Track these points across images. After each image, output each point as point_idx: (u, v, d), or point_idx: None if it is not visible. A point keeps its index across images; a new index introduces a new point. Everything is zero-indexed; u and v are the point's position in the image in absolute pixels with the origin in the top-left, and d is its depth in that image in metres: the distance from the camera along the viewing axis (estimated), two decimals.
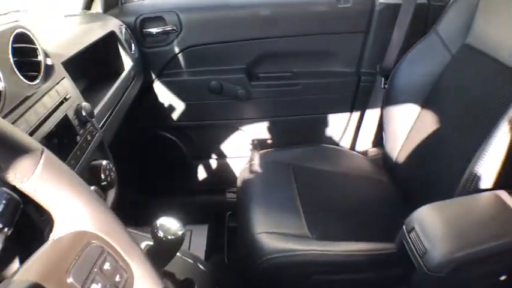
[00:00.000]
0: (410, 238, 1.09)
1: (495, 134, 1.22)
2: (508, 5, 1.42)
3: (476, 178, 1.23)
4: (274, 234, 1.44)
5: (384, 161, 1.85)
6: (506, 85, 1.35)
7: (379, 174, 1.82)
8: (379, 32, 1.94)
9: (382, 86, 1.90)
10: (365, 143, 2.17)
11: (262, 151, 1.90)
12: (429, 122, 1.62)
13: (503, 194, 1.21)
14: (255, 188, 1.69)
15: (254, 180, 1.72)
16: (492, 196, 1.20)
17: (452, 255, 1.01)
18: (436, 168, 1.53)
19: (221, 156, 2.16)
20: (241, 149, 2.13)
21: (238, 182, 1.79)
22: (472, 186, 1.24)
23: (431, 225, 1.08)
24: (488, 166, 1.22)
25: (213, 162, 2.16)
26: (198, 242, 1.85)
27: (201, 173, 2.19)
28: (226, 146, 2.13)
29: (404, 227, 1.13)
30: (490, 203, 1.19)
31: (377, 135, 2.13)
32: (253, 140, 2.09)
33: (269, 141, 2.12)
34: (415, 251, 1.06)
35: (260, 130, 2.10)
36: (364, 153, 2.12)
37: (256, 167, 1.78)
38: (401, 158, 1.71)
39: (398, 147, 1.72)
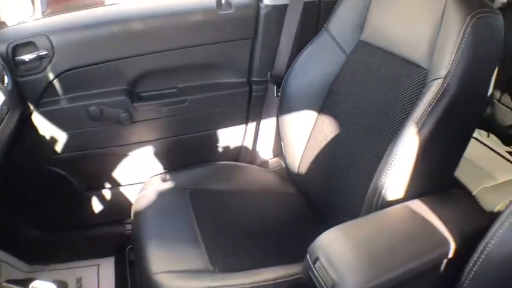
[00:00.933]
0: (315, 269, 0.98)
1: (399, 140, 1.17)
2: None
3: (383, 191, 1.17)
4: (173, 273, 1.30)
5: (287, 172, 1.77)
6: (409, 83, 1.31)
7: (284, 187, 1.73)
8: (268, 36, 1.84)
9: (275, 95, 1.81)
10: (265, 154, 2.08)
11: (155, 176, 1.76)
12: (328, 129, 1.55)
13: (415, 204, 1.15)
14: (149, 220, 1.53)
15: (147, 211, 1.57)
16: (403, 209, 1.13)
17: (365, 286, 0.93)
18: (342, 179, 1.47)
19: (114, 185, 1.97)
20: (134, 176, 1.96)
21: (132, 213, 1.63)
22: (380, 201, 1.17)
23: (337, 254, 0.98)
24: (395, 176, 1.15)
25: (107, 193, 1.98)
26: (105, 277, 1.76)
27: (97, 205, 1.99)
28: (117, 174, 1.95)
29: (308, 255, 1.02)
30: (402, 218, 1.12)
31: (276, 146, 2.05)
32: (144, 165, 1.93)
33: (162, 165, 1.96)
34: (323, 284, 0.96)
35: (151, 154, 1.93)
36: (265, 165, 2.04)
37: (149, 195, 1.62)
38: (303, 169, 1.63)
39: (299, 157, 1.64)
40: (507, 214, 0.78)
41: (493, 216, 1.49)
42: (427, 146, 1.15)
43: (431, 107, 1.15)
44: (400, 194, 1.17)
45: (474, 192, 1.74)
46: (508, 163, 1.98)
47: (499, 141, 2.20)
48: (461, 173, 1.62)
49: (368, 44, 1.48)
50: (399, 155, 1.16)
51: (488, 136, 2.23)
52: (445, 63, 1.17)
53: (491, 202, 1.70)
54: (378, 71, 1.42)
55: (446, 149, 1.23)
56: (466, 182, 1.78)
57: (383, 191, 1.16)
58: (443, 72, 1.17)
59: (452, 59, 1.16)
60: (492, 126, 2.22)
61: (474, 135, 1.73)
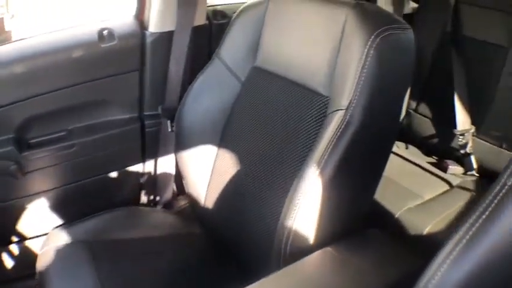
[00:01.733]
0: None
1: (303, 178, 1.03)
2: (295, 17, 1.25)
3: (291, 234, 1.03)
4: None
5: (192, 211, 1.60)
6: (310, 113, 1.16)
7: (190, 228, 1.57)
8: (156, 67, 1.67)
9: (170, 130, 1.64)
10: (167, 194, 1.89)
11: (55, 229, 1.54)
12: (230, 164, 1.40)
13: (330, 252, 1.01)
14: (51, 282, 1.33)
15: (49, 271, 1.36)
16: (313, 262, 0.99)
17: None
18: (249, 217, 1.31)
19: (19, 239, 1.77)
20: (38, 228, 1.76)
21: (37, 273, 1.43)
22: (289, 247, 1.04)
23: None
24: (301, 218, 1.02)
25: (14, 248, 1.77)
26: None
27: (3, 261, 1.77)
28: (21, 228, 1.75)
29: None
30: (312, 274, 0.98)
31: (178, 184, 1.86)
32: (46, 217, 1.73)
33: (63, 215, 1.76)
34: None
35: (50, 204, 1.73)
36: (169, 205, 1.85)
37: (50, 253, 1.42)
38: (209, 207, 1.47)
39: (203, 194, 1.47)
40: (446, 254, 0.62)
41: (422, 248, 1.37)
42: (333, 184, 1.01)
43: (333, 142, 1.00)
44: (309, 237, 1.03)
45: (397, 215, 1.61)
46: (432, 176, 1.88)
47: (419, 152, 2.11)
48: (382, 194, 1.49)
49: (263, 70, 1.33)
50: (304, 195, 1.02)
51: (406, 148, 2.13)
52: (347, 93, 1.03)
53: (419, 224, 1.58)
54: (276, 99, 1.27)
55: (356, 184, 1.10)
56: (388, 204, 1.65)
57: (291, 235, 1.03)
58: (345, 103, 1.03)
59: (354, 87, 1.01)
60: (410, 137, 2.12)
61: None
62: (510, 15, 1.82)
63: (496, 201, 0.56)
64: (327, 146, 1.00)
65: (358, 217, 1.17)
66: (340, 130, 1.00)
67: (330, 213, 1.04)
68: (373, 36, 1.01)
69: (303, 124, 1.17)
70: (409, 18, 2.11)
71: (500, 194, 0.56)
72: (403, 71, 1.08)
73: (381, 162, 1.15)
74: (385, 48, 1.01)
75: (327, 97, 1.12)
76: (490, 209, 0.57)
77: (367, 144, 1.05)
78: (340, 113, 1.02)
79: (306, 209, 1.02)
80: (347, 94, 1.03)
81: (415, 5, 2.17)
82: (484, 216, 0.57)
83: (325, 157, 1.00)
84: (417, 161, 1.98)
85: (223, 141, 1.42)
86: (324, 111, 1.12)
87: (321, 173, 0.99)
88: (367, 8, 1.10)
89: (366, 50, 1.00)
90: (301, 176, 1.04)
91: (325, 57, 1.13)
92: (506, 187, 0.56)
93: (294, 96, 1.22)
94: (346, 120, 1.01)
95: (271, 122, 1.27)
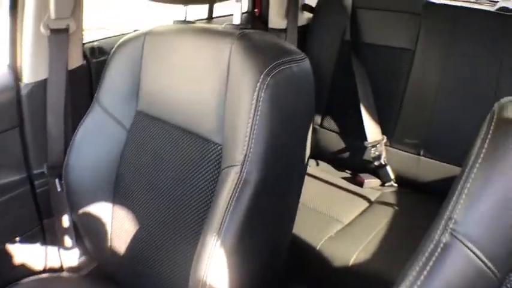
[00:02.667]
0: None
1: (204, 244, 0.88)
2: (175, 53, 1.08)
3: None
4: None
5: (100, 272, 1.43)
6: (203, 163, 1.01)
7: None
8: (35, 120, 1.43)
9: (59, 188, 1.42)
10: (73, 257, 1.63)
11: None
12: (128, 225, 1.22)
13: None
14: None
15: None
16: None
17: None
18: (156, 276, 1.15)
19: None
20: None
21: None
22: None
23: None
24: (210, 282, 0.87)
25: None
26: None
27: None
28: None
29: None
30: None
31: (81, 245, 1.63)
32: None
33: None
34: None
35: None
36: (76, 269, 1.60)
37: None
38: (115, 267, 1.29)
39: (107, 253, 1.29)
40: None
41: None
42: (237, 251, 0.87)
43: (232, 206, 0.85)
44: None
45: (319, 247, 1.48)
46: (349, 194, 1.77)
47: (331, 168, 2.00)
48: (299, 225, 1.33)
49: (147, 115, 1.16)
50: (208, 265, 0.87)
51: (317, 165, 2.01)
52: (240, 145, 0.88)
53: (343, 254, 1.45)
54: (166, 150, 1.11)
55: (265, 240, 0.97)
56: (308, 237, 1.51)
57: None
58: (239, 157, 0.88)
59: (248, 138, 0.87)
60: (320, 153, 2.02)
61: None
62: (411, 16, 1.78)
63: (431, 263, 0.58)
64: (225, 211, 0.85)
65: (276, 264, 1.02)
66: (238, 191, 0.85)
67: (240, 277, 0.90)
68: (262, 76, 0.86)
69: (198, 181, 1.01)
70: (304, 29, 2.03)
71: (436, 254, 0.58)
72: (303, 106, 0.95)
73: (292, 205, 1.02)
74: (278, 88, 0.87)
75: (220, 145, 0.95)
76: (427, 268, 0.58)
77: (271, 198, 0.91)
78: (236, 170, 0.87)
79: (213, 277, 0.87)
80: (241, 147, 0.88)
81: (310, 15, 2.05)
82: (422, 277, 0.58)
83: (225, 224, 0.84)
84: (331, 180, 1.87)
85: (116, 198, 1.24)
86: (218, 161, 0.96)
87: (222, 243, 0.84)
88: (254, 39, 0.95)
89: (256, 94, 0.86)
90: (202, 245, 0.88)
91: (212, 100, 0.97)
92: (441, 245, 0.58)
93: (183, 145, 1.06)
94: (243, 178, 0.85)
95: (163, 178, 1.10)
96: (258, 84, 0.86)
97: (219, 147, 0.96)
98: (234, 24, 0.99)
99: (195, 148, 1.02)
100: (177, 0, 1.08)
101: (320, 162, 2.03)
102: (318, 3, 2.02)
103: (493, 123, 0.63)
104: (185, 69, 1.05)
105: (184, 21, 1.14)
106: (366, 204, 1.72)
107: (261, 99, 0.85)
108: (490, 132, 0.62)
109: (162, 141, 1.11)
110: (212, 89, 0.96)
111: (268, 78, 0.86)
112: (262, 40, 0.96)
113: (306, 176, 1.84)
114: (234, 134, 0.89)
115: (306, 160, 1.02)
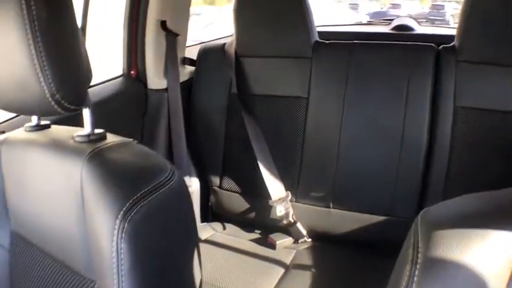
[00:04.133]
0: None
1: None
2: (32, 168, 0.85)
3: None
4: None
5: None
6: None
7: None
8: None
9: None
10: None
11: None
12: None
13: None
14: None
15: None
16: None
17: None
18: None
19: None
20: None
21: None
22: None
23: None
24: None
25: None
26: None
27: None
28: None
29: None
30: None
31: None
32: None
33: None
34: None
35: None
36: None
37: None
38: None
39: None
40: None
41: None
42: None
43: None
44: None
45: None
46: (262, 261, 1.62)
47: (238, 230, 1.85)
48: None
49: (23, 238, 0.92)
50: None
51: (224, 228, 1.87)
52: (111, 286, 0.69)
53: None
54: (42, 282, 0.87)
55: None
56: None
57: None
58: None
59: (117, 281, 0.68)
60: (224, 216, 1.89)
61: None
62: (301, 60, 1.68)
63: None
64: None
65: None
66: None
67: None
68: (118, 222, 0.68)
69: None
70: (189, 84, 1.86)
71: None
72: (179, 232, 0.78)
73: None
74: (140, 228, 0.70)
75: (93, 281, 0.76)
76: None
77: None
78: None
79: None
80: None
81: (192, 68, 1.89)
82: None
83: None
84: (241, 246, 1.71)
85: None
86: None
87: None
88: (106, 161, 0.74)
89: (115, 242, 0.67)
90: None
91: (75, 230, 0.76)
92: None
93: (56, 278, 0.84)
94: None
95: None
96: (115, 232, 0.67)
97: (91, 284, 0.77)
98: (84, 136, 0.79)
99: (67, 284, 0.82)
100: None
101: (227, 224, 1.86)
102: (198, 55, 1.86)
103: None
104: (43, 190, 0.83)
105: (37, 127, 0.92)
106: (281, 270, 1.56)
107: (122, 249, 0.67)
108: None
109: (37, 271, 0.89)
110: (71, 217, 0.76)
111: (126, 224, 0.67)
112: (116, 163, 0.76)
113: (213, 246, 1.70)
114: (103, 273, 0.71)
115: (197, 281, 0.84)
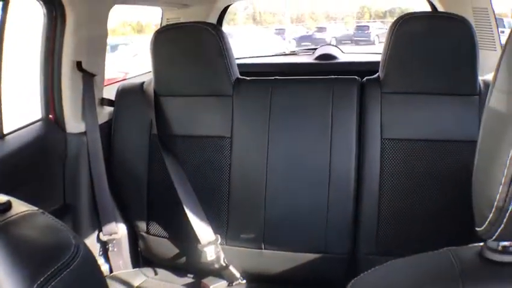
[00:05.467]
0: None
1: None
2: None
3: None
4: None
5: None
6: None
7: None
8: None
9: None
10: None
11: None
12: None
13: None
14: None
15: None
16: None
17: None
18: None
19: None
20: None
21: None
22: None
23: None
24: None
25: None
26: None
27: None
28: None
29: None
30: None
31: None
32: None
33: None
34: None
35: None
36: None
37: None
38: None
39: None
40: None
41: None
42: None
43: None
44: None
45: None
46: None
47: (171, 276, 1.76)
48: None
49: None
50: None
51: (156, 274, 1.77)
52: None
53: None
54: None
55: None
56: None
57: None
58: None
59: None
60: (156, 262, 1.79)
61: None
62: (223, 98, 1.63)
63: None
64: None
65: None
66: None
67: None
68: None
69: None
70: (108, 126, 1.77)
71: None
72: None
73: None
74: None
75: None
76: None
77: None
78: None
79: None
80: None
81: (111, 109, 1.80)
82: None
83: None
84: None
85: None
86: None
87: None
88: (12, 237, 0.65)
89: None
90: None
91: None
92: None
93: None
94: None
95: None
96: None
97: None
98: None
99: None
100: None
101: (158, 270, 1.77)
102: (116, 95, 1.78)
103: None
104: None
105: None
106: None
107: None
108: None
109: None
110: None
111: None
112: (19, 244, 0.67)
113: None
114: None
115: None
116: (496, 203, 0.52)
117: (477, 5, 1.99)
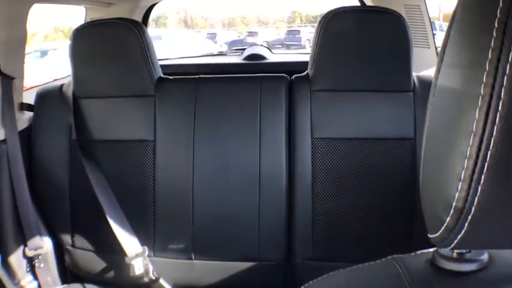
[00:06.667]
0: None
1: None
2: None
3: None
4: None
5: None
6: None
7: None
8: None
9: None
10: None
11: None
12: None
13: None
14: None
15: None
16: None
17: None
18: None
19: None
20: None
21: None
22: None
23: None
24: None
25: None
26: None
27: None
28: None
29: None
30: None
31: None
32: None
33: None
34: None
35: None
36: None
37: None
38: None
39: None
40: None
41: None
42: None
43: None
44: None
45: None
46: None
47: None
48: None
49: None
50: None
51: None
52: None
53: None
54: None
55: None
56: None
57: None
58: None
59: None
60: (83, 277, 1.67)
61: None
62: (145, 99, 1.54)
63: None
64: None
65: None
66: None
67: None
68: None
69: None
70: (28, 132, 1.63)
71: None
72: None
73: None
74: None
75: None
76: None
77: None
78: None
79: None
80: None
81: (31, 114, 1.65)
82: None
83: None
84: None
85: None
86: None
87: None
88: None
89: None
90: None
91: None
92: None
93: None
94: None
95: None
96: None
97: None
98: None
99: None
100: None
101: (88, 285, 1.64)
102: (36, 99, 1.64)
103: None
104: None
105: None
106: None
107: None
108: None
109: None
110: None
111: None
112: None
113: None
114: None
115: None
116: (454, 203, 0.43)
117: (409, 2, 1.99)
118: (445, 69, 0.45)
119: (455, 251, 0.52)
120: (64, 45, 9.26)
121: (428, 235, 0.48)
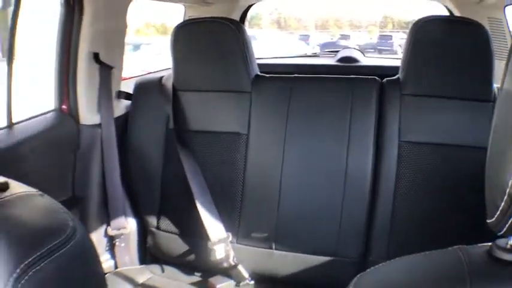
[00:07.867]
0: None
1: None
2: None
3: None
4: None
5: None
6: None
7: None
8: None
9: None
10: None
11: None
12: None
13: None
14: None
15: None
16: None
17: None
18: None
19: None
20: None
21: None
22: None
23: None
24: None
25: None
26: None
27: None
28: None
29: None
30: None
31: None
32: None
33: None
34: None
35: None
36: None
37: None
38: None
39: None
40: None
41: None
42: None
43: None
44: None
45: None
46: None
47: (177, 273, 1.73)
48: None
49: None
50: None
51: (163, 271, 1.74)
52: None
53: None
54: None
55: None
56: None
57: None
58: None
59: None
60: (163, 258, 1.77)
61: None
62: (241, 95, 1.62)
63: None
64: None
65: None
66: None
67: None
68: (11, 280, 0.57)
69: None
70: (124, 119, 1.76)
71: None
72: None
73: None
74: None
75: None
76: None
77: None
78: None
79: None
80: None
81: (128, 103, 1.80)
82: None
83: None
84: None
85: None
86: None
87: None
88: (5, 217, 0.64)
89: None
90: None
91: None
92: None
93: None
94: None
95: None
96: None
97: None
98: None
99: None
100: None
101: (165, 267, 1.74)
102: (134, 89, 1.76)
103: None
104: None
105: None
106: None
107: None
108: None
109: None
110: None
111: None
112: (13, 222, 0.65)
113: None
114: None
115: None
116: (508, 189, 0.47)
117: (492, 15, 1.97)
118: (509, 75, 0.48)
119: (510, 242, 0.54)
120: (158, 41, 9.64)
121: (487, 221, 0.51)
